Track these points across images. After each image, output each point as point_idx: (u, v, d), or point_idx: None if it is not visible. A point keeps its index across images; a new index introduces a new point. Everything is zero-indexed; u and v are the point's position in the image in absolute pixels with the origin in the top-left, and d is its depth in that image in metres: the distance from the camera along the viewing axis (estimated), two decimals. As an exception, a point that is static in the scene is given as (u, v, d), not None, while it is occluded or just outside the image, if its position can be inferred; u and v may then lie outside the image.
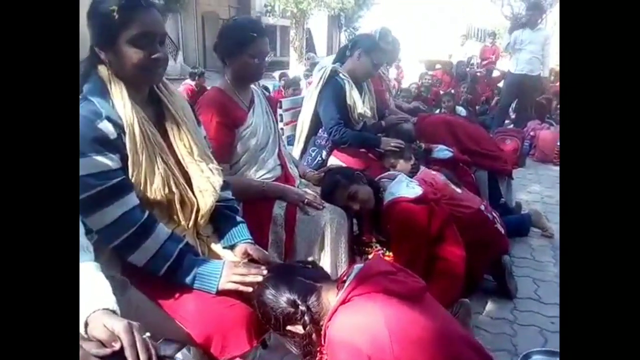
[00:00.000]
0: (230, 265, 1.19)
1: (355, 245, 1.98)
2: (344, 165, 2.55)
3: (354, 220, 2.00)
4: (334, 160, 2.60)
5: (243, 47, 1.74)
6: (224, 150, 1.74)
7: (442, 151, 2.64)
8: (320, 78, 2.52)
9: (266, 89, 6.91)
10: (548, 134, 5.14)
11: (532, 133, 5.26)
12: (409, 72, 10.96)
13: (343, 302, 1.06)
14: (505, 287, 2.29)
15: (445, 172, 2.40)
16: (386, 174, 2.04)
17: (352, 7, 19.06)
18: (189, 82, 6.79)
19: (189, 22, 18.15)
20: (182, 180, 1.24)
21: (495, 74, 8.09)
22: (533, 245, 2.86)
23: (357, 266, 1.14)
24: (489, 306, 2.22)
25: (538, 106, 6.51)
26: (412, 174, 2.43)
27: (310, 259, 1.76)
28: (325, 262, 1.76)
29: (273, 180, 1.86)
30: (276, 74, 11.15)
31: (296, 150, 2.67)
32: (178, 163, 1.26)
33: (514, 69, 5.61)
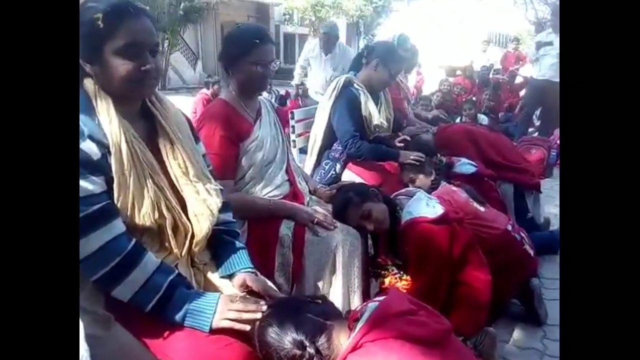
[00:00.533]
0: (225, 300, 1.06)
1: (371, 267, 1.83)
2: (359, 179, 2.42)
3: (370, 241, 1.86)
4: (349, 174, 2.46)
5: (245, 55, 1.63)
6: (228, 165, 1.63)
7: (465, 165, 2.47)
8: (334, 88, 2.39)
9: (284, 98, 6.82)
10: (576, 142, 4.88)
11: (558, 141, 5.00)
12: (429, 78, 10.75)
13: (354, 348, 0.92)
14: (534, 313, 2.10)
15: (467, 188, 2.23)
16: (404, 190, 1.89)
17: (370, 15, 18.96)
18: (205, 92, 6.74)
19: (208, 32, 18.34)
20: (174, 204, 1.12)
21: (518, 80, 7.83)
22: (564, 264, 2.65)
23: (371, 305, 1.00)
24: (517, 334, 2.04)
25: (564, 113, 6.25)
26: (432, 189, 2.28)
27: (320, 283, 1.63)
28: (337, 287, 1.62)
29: (280, 198, 1.74)
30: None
31: (309, 164, 2.55)
32: (171, 184, 1.14)
33: (537, 75, 5.39)
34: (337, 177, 2.48)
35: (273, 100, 7.03)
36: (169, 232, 1.11)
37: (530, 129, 6.01)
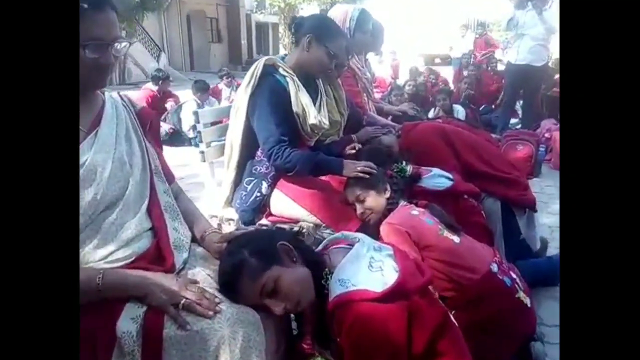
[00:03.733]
0: None
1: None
2: (292, 203, 1.76)
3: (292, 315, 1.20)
4: (279, 196, 1.79)
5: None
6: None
7: (436, 178, 1.81)
8: (252, 76, 1.70)
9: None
10: (566, 135, 4.31)
11: (547, 135, 4.43)
12: (406, 67, 10.12)
13: None
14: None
15: (436, 210, 1.60)
16: (340, 235, 1.22)
17: (345, 2, 18.16)
18: (150, 87, 5.91)
19: (173, 22, 17.35)
20: None
21: (501, 67, 7.27)
22: (567, 301, 2.04)
23: None
24: None
25: (550, 101, 5.72)
26: (389, 210, 1.63)
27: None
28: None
29: (132, 261, 1.05)
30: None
31: (226, 182, 1.86)
32: None
33: (515, 59, 4.80)
34: (265, 201, 1.80)
35: (230, 93, 6.30)
36: None
37: (514, 120, 5.44)
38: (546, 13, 4.59)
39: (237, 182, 1.84)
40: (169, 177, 1.29)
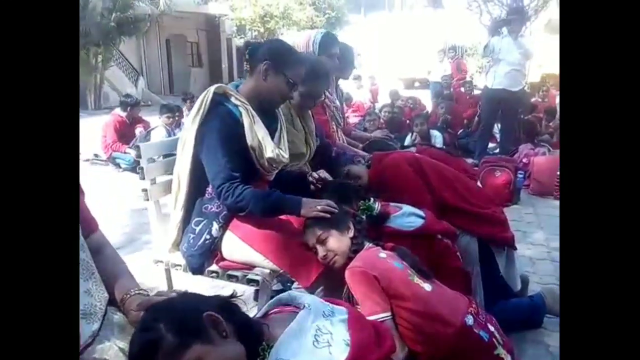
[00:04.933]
0: None
1: None
2: (246, 247, 1.57)
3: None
4: (231, 238, 1.60)
5: None
6: None
7: (407, 216, 1.65)
8: (200, 106, 1.53)
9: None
10: (544, 160, 4.26)
11: (524, 160, 4.37)
12: (385, 91, 10.14)
13: None
14: None
15: (405, 253, 1.44)
16: (287, 297, 1.03)
17: (323, 26, 18.32)
18: (119, 112, 5.68)
19: (152, 46, 17.22)
20: None
21: (477, 91, 7.30)
22: (551, 347, 1.88)
23: None
24: None
25: (526, 125, 5.71)
26: (354, 252, 1.46)
27: None
28: None
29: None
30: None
31: (173, 223, 1.66)
32: None
33: (492, 84, 4.82)
34: (215, 244, 1.61)
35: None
36: None
37: (492, 145, 5.38)
38: (522, 39, 4.67)
39: (186, 223, 1.65)
40: (89, 227, 1.10)
